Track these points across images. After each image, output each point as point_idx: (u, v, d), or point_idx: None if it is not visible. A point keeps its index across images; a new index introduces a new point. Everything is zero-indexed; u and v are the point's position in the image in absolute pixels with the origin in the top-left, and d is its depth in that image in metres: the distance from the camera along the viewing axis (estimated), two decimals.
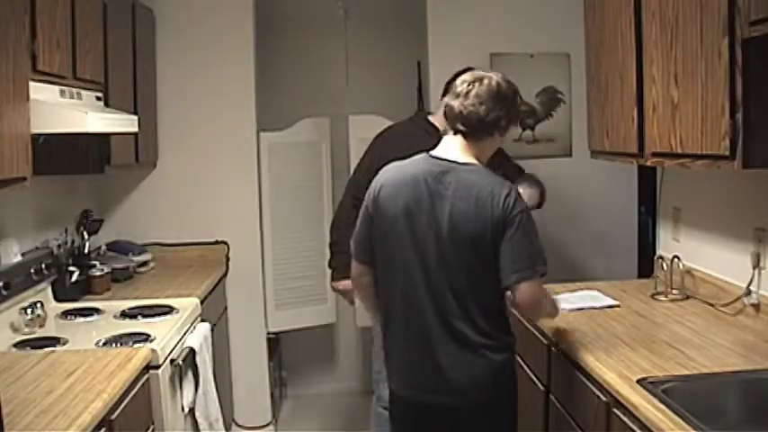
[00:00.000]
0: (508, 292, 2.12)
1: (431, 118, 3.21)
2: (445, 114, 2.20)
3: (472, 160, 2.15)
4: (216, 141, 3.97)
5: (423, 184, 2.12)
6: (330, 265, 3.35)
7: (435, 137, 3.05)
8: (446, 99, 2.22)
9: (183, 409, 2.67)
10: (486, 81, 2.14)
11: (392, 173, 2.21)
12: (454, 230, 2.07)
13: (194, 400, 2.76)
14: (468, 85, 2.14)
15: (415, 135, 3.09)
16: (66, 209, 3.46)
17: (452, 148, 2.18)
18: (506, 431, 2.26)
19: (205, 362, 2.86)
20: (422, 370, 2.15)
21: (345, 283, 3.01)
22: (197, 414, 2.78)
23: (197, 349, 2.78)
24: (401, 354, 2.21)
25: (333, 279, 3.32)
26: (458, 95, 2.15)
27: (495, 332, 2.14)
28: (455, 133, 2.18)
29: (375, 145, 3.24)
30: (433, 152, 2.20)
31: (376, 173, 2.77)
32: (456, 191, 2.09)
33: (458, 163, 2.14)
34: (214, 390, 2.94)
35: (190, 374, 2.74)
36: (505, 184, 2.12)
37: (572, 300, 2.83)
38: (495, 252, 2.07)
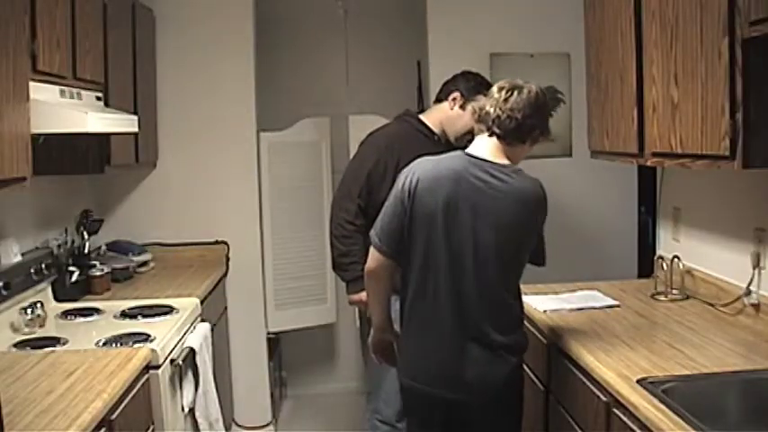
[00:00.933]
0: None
1: (423, 118, 3.12)
2: (480, 118, 2.26)
3: (504, 161, 2.23)
4: (216, 141, 3.97)
5: (463, 180, 2.17)
6: (344, 279, 3.08)
7: (432, 139, 3.05)
8: (476, 103, 2.33)
9: (183, 409, 2.67)
10: (525, 90, 2.22)
11: (430, 167, 2.23)
12: (495, 230, 2.14)
13: (194, 400, 2.76)
14: (507, 92, 2.21)
15: (414, 138, 3.04)
16: (66, 209, 3.46)
17: (488, 148, 2.24)
18: (513, 430, 2.32)
19: (205, 362, 2.86)
20: (440, 364, 2.20)
21: (363, 295, 2.81)
22: (197, 414, 2.78)
23: (197, 349, 2.78)
24: (421, 346, 2.24)
25: (349, 292, 3.05)
26: (496, 101, 2.22)
27: (513, 334, 2.22)
28: (490, 135, 2.23)
29: (373, 150, 3.05)
30: (468, 150, 2.26)
31: (381, 178, 2.79)
32: (498, 191, 2.16)
33: (496, 164, 2.20)
34: (214, 390, 2.94)
35: (190, 374, 2.74)
36: (541, 188, 2.24)
37: (572, 300, 2.83)
38: (527, 252, 2.24)
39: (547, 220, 4.14)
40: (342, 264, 3.03)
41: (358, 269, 2.88)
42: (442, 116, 3.06)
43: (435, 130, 3.08)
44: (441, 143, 3.04)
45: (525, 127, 2.21)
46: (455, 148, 3.02)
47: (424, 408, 2.28)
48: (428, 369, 2.23)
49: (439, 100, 3.11)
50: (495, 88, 2.26)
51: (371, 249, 2.32)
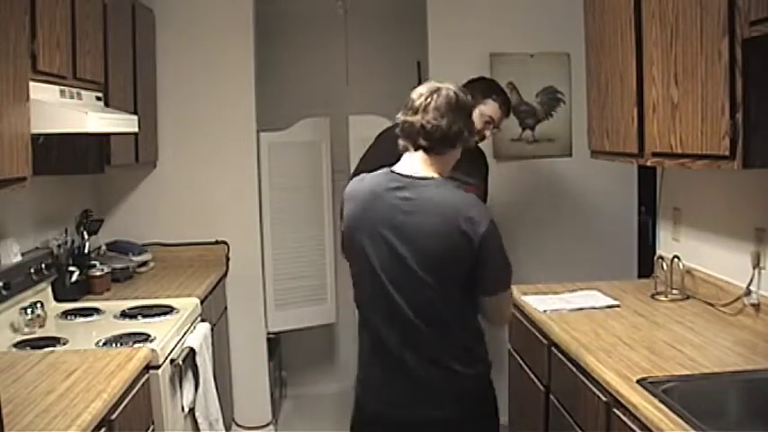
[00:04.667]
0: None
1: None
2: (403, 131, 2.12)
3: (433, 175, 2.09)
4: (216, 141, 3.97)
5: (381, 200, 2.06)
6: None
7: None
8: (400, 115, 2.13)
9: (183, 409, 2.67)
10: (443, 92, 2.08)
11: (355, 185, 2.19)
12: (418, 248, 2.00)
13: (194, 400, 2.76)
14: (426, 99, 2.07)
15: None
16: (66, 209, 3.46)
17: (414, 163, 2.10)
18: None
19: (205, 362, 2.86)
20: (392, 386, 2.09)
21: None
22: (197, 414, 2.78)
23: (197, 349, 2.78)
24: (371, 368, 2.17)
25: None
26: (416, 111, 2.07)
27: (461, 348, 2.09)
28: (416, 149, 2.10)
29: (382, 143, 3.04)
30: (394, 168, 2.13)
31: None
32: (419, 207, 2.02)
33: (417, 178, 2.07)
34: (214, 390, 2.94)
35: (190, 374, 2.74)
36: (469, 198, 2.09)
37: (572, 300, 2.83)
38: (464, 268, 2.01)
39: (547, 220, 4.17)
40: None
41: None
42: None
43: None
44: None
45: (452, 132, 2.07)
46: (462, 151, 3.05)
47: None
48: (380, 392, 2.13)
49: None
50: (413, 95, 2.11)
51: None
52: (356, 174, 2.94)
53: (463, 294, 2.06)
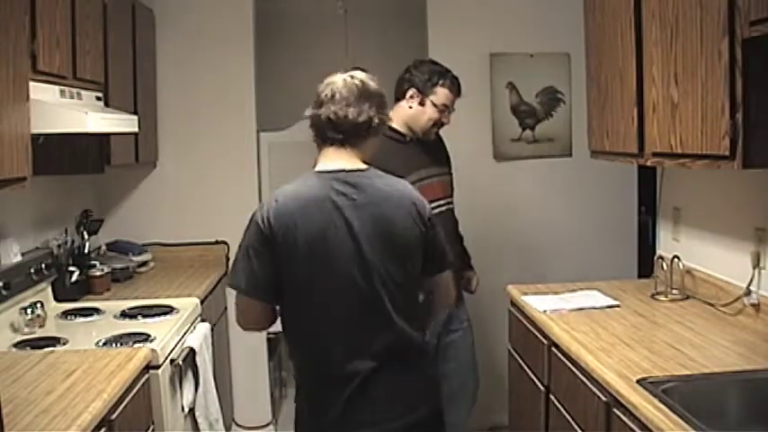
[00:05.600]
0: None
1: (391, 124, 2.96)
2: (313, 126, 2.05)
3: (361, 165, 2.02)
4: (216, 141, 3.97)
5: (328, 202, 1.95)
6: None
7: (402, 140, 2.97)
8: (308, 110, 2.06)
9: (183, 409, 2.67)
10: (348, 80, 2.01)
11: (285, 200, 2.01)
12: (375, 242, 1.93)
13: (194, 400, 2.76)
14: (331, 89, 2.01)
15: (386, 143, 2.82)
16: (66, 209, 3.46)
17: (335, 158, 2.02)
18: None
19: (205, 362, 2.86)
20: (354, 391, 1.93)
21: None
22: (197, 414, 2.78)
23: (197, 349, 2.78)
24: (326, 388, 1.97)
25: None
26: (321, 103, 2.01)
27: (422, 340, 2.05)
28: (330, 144, 2.03)
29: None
30: (318, 168, 2.05)
31: None
32: (364, 201, 1.95)
33: (350, 171, 2.00)
34: (214, 390, 2.94)
35: (190, 374, 2.74)
36: (407, 186, 2.07)
37: (572, 300, 2.83)
38: (416, 255, 2.00)
39: (547, 221, 4.17)
40: None
41: None
42: (404, 116, 2.96)
43: (402, 130, 2.97)
44: (411, 142, 2.98)
45: (363, 124, 1.99)
46: (425, 144, 3.01)
47: None
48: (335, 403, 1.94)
49: (397, 99, 2.96)
50: (320, 87, 2.05)
51: (239, 299, 2.06)
52: None
53: (415, 286, 2.05)
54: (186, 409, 2.69)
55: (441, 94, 2.94)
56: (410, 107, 2.95)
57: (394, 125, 2.92)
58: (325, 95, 2.02)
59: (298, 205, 1.98)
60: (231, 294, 3.96)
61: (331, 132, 2.02)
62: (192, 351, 2.74)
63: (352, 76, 2.04)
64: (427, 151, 3.04)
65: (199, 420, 2.79)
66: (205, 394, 2.83)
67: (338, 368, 1.94)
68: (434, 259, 2.07)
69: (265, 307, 2.04)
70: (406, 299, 1.99)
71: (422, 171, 2.91)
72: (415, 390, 2.00)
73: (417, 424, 1.98)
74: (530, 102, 3.98)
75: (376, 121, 2.03)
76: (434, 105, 2.94)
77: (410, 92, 2.95)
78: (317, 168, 2.06)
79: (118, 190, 3.95)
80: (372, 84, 2.05)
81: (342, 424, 1.94)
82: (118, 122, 2.85)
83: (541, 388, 2.61)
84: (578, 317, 2.62)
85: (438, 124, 3.00)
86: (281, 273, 1.97)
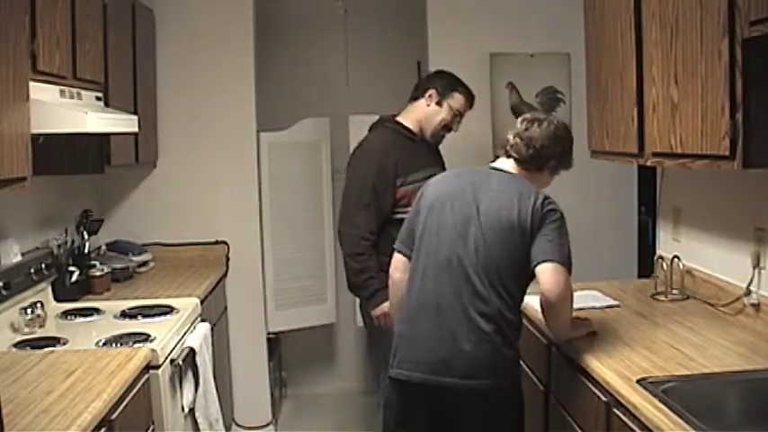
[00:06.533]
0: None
1: (401, 120, 3.19)
2: (502, 146, 2.42)
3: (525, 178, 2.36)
4: (216, 141, 3.97)
5: (465, 178, 2.35)
6: (363, 297, 3.09)
7: (413, 139, 3.16)
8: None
9: (183, 410, 2.67)
10: (546, 122, 2.37)
11: (443, 176, 2.47)
12: (491, 217, 2.21)
13: (194, 401, 2.76)
14: (529, 123, 2.37)
15: (400, 141, 3.14)
16: (66, 209, 3.46)
17: (508, 164, 2.39)
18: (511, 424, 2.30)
19: (205, 362, 2.86)
20: (442, 352, 2.18)
21: (385, 306, 2.84)
22: (197, 414, 2.78)
23: (197, 349, 2.78)
24: (420, 335, 2.23)
25: (372, 308, 3.02)
26: (517, 131, 2.37)
27: (510, 324, 2.23)
28: (508, 157, 2.39)
29: (371, 160, 3.08)
30: (492, 164, 2.42)
31: (384, 186, 2.97)
32: (497, 186, 2.28)
33: (503, 170, 2.37)
34: (214, 390, 2.94)
35: (190, 374, 2.74)
36: (542, 191, 2.33)
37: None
38: (526, 244, 2.19)
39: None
40: (358, 282, 3.04)
41: (375, 284, 2.96)
42: (420, 114, 3.17)
43: (414, 129, 3.18)
44: (421, 142, 3.18)
45: (542, 156, 2.35)
46: (430, 146, 3.22)
47: (419, 398, 2.25)
48: (426, 357, 2.21)
49: (415, 98, 3.21)
50: (519, 120, 2.42)
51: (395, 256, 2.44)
52: (356, 210, 3.01)
53: (520, 274, 2.27)
54: (186, 410, 2.69)
55: (457, 99, 3.17)
56: (428, 105, 3.16)
57: (407, 124, 3.17)
58: (522, 126, 2.40)
59: (446, 178, 2.50)
60: (231, 294, 4.00)
61: (513, 152, 2.40)
62: (191, 351, 2.74)
63: (551, 119, 2.44)
64: (432, 152, 3.25)
65: (199, 420, 2.79)
66: (205, 394, 2.83)
67: None
68: (543, 251, 2.23)
69: None
70: (501, 280, 2.23)
71: (428, 169, 3.01)
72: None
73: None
74: (530, 102, 3.98)
75: (553, 162, 2.42)
76: (450, 108, 3.15)
77: (430, 91, 3.16)
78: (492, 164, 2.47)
79: (118, 190, 3.95)
80: (565, 131, 2.44)
81: None
82: (118, 122, 2.85)
83: (541, 388, 2.61)
84: (578, 317, 2.61)
85: (447, 128, 3.21)
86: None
